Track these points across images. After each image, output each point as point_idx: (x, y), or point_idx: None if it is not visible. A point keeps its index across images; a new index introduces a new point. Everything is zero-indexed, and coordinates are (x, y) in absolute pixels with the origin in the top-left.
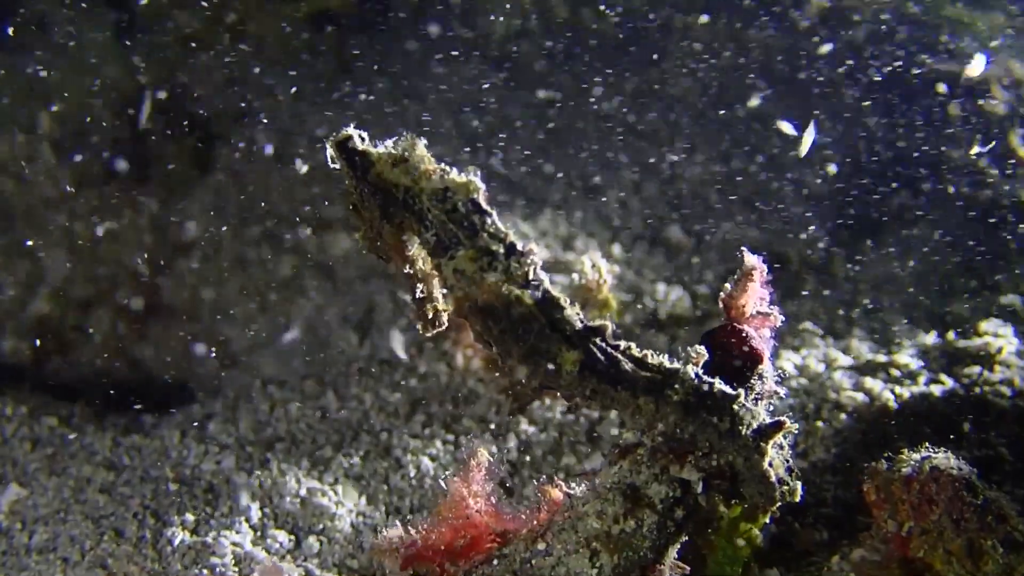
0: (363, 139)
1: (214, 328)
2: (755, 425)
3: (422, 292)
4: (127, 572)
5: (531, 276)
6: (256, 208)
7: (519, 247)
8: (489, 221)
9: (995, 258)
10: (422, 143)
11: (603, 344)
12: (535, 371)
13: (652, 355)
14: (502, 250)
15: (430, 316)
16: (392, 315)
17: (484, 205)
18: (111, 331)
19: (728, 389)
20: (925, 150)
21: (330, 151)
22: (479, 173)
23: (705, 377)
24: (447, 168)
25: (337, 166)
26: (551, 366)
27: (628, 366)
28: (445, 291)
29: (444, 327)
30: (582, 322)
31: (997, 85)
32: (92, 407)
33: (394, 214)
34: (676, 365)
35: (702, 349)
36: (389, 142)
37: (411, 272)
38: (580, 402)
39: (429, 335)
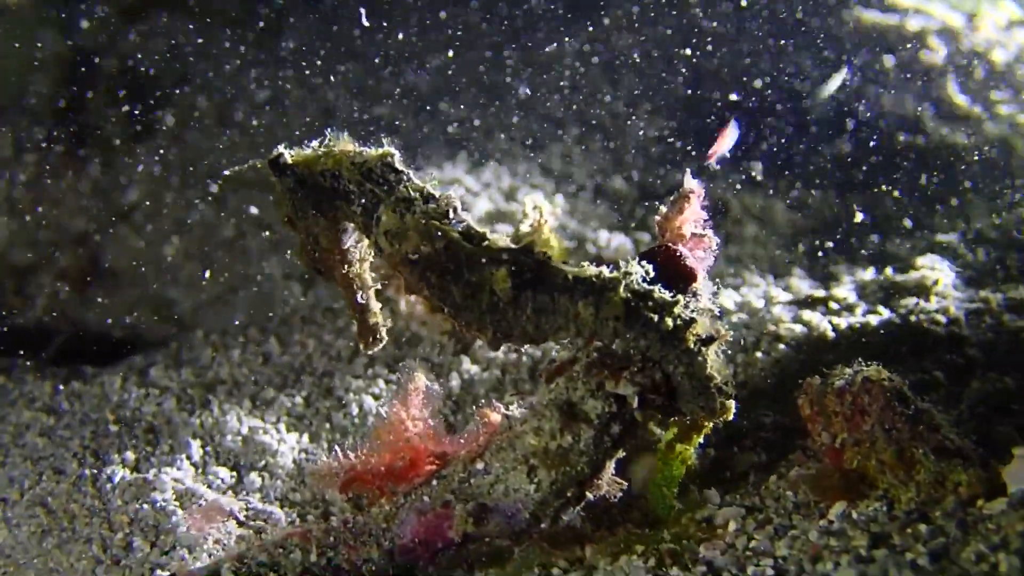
0: (292, 154)
1: (159, 290)
2: (696, 332)
3: (361, 299)
4: (67, 509)
5: (451, 215)
6: (198, 171)
7: (436, 194)
8: (404, 178)
9: (930, 201)
10: (347, 136)
11: (533, 255)
12: (477, 307)
13: (589, 267)
14: (419, 197)
15: (370, 324)
16: None
17: (399, 166)
18: (53, 295)
19: (668, 295)
20: (862, 99)
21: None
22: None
23: (645, 285)
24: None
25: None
26: (491, 296)
27: (562, 273)
28: (381, 257)
29: (384, 341)
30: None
31: (934, 36)
32: (33, 361)
33: (326, 205)
34: (616, 273)
35: (637, 265)
36: (315, 143)
37: (349, 276)
38: (520, 337)
39: (370, 352)
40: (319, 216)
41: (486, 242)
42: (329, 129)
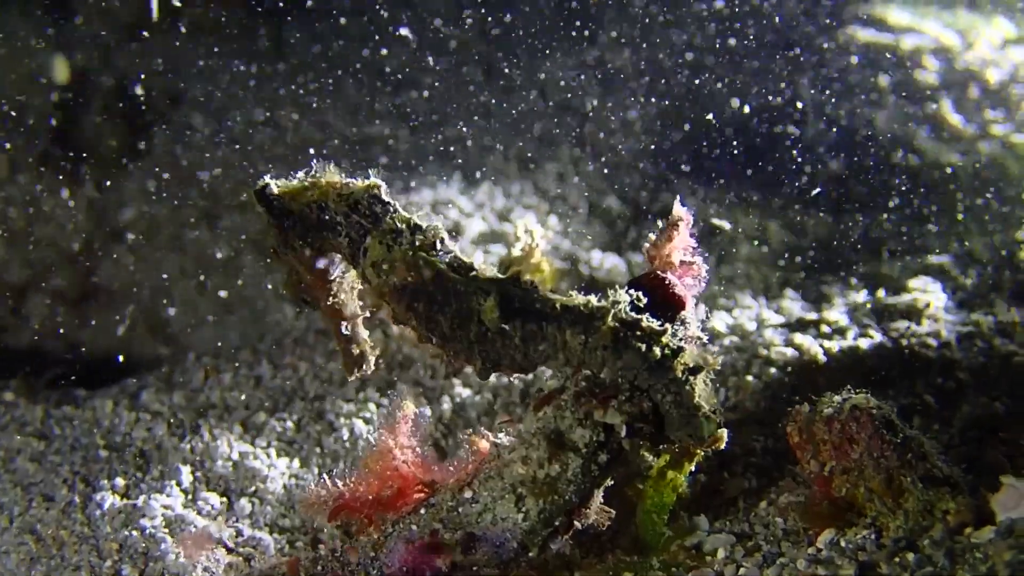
0: (278, 185)
1: (153, 309)
2: (684, 359)
3: (347, 329)
4: (56, 536)
5: (438, 246)
6: (193, 189)
7: (423, 225)
8: (391, 209)
9: (923, 221)
10: (333, 167)
11: (521, 285)
12: (465, 337)
13: (578, 296)
14: (406, 228)
15: (356, 354)
16: None
17: (385, 198)
18: (48, 314)
19: (656, 324)
20: (857, 119)
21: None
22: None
23: (633, 314)
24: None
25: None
26: (479, 326)
27: (550, 302)
28: (368, 288)
29: (371, 370)
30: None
31: (928, 55)
32: (27, 383)
33: (312, 237)
34: (604, 303)
35: (625, 294)
36: (301, 173)
37: (335, 307)
38: (509, 366)
39: (353, 379)
40: (305, 247)
41: (473, 272)
42: (318, 160)
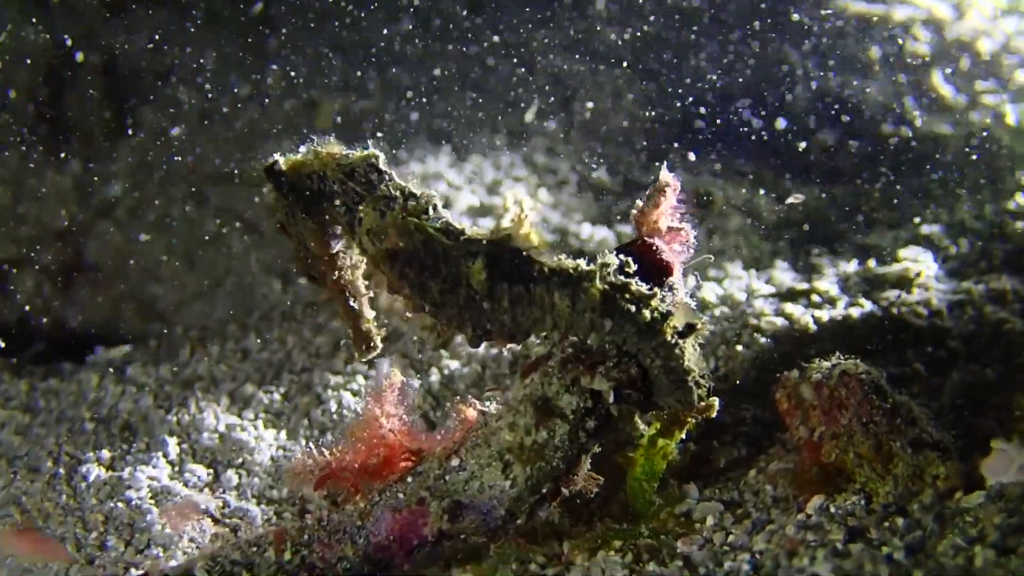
0: (284, 160)
1: (139, 285)
2: (673, 324)
3: (354, 305)
4: (41, 508)
5: (430, 212)
6: (180, 166)
7: (418, 192)
8: (387, 178)
9: (914, 191)
10: (334, 140)
11: (509, 246)
12: (455, 303)
13: (568, 259)
14: (400, 195)
15: (364, 331)
16: None
17: (382, 167)
18: (35, 291)
19: (645, 288)
20: (848, 90)
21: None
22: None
23: (622, 277)
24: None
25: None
26: (468, 290)
27: (538, 264)
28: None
29: (379, 349)
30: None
31: (919, 26)
32: (12, 358)
33: (314, 208)
34: (592, 266)
35: (615, 257)
36: (304, 147)
37: (341, 283)
38: (499, 333)
39: (364, 359)
40: (307, 220)
41: (464, 237)
42: (310, 137)
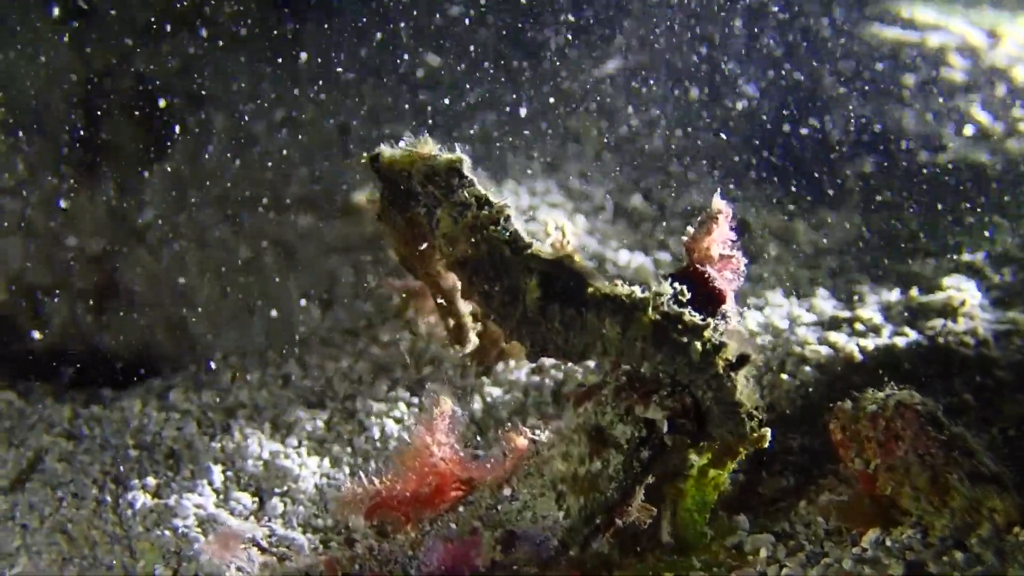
0: (386, 153)
1: (175, 311)
2: (726, 355)
3: (443, 300)
4: (88, 536)
5: (501, 222)
6: (214, 191)
7: (493, 201)
8: (466, 183)
9: (954, 220)
10: (429, 139)
11: (566, 268)
12: (514, 316)
13: (624, 286)
14: (475, 202)
15: (457, 326)
16: (353, 289)
17: (465, 172)
18: (69, 316)
19: (698, 318)
20: (884, 117)
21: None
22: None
23: (675, 307)
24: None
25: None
26: (525, 306)
27: (591, 288)
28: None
29: (473, 344)
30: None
31: (954, 53)
32: (50, 384)
33: (402, 204)
34: (647, 294)
35: (669, 286)
36: (403, 142)
37: (431, 279)
38: (555, 351)
39: (461, 352)
40: (398, 215)
41: (528, 251)
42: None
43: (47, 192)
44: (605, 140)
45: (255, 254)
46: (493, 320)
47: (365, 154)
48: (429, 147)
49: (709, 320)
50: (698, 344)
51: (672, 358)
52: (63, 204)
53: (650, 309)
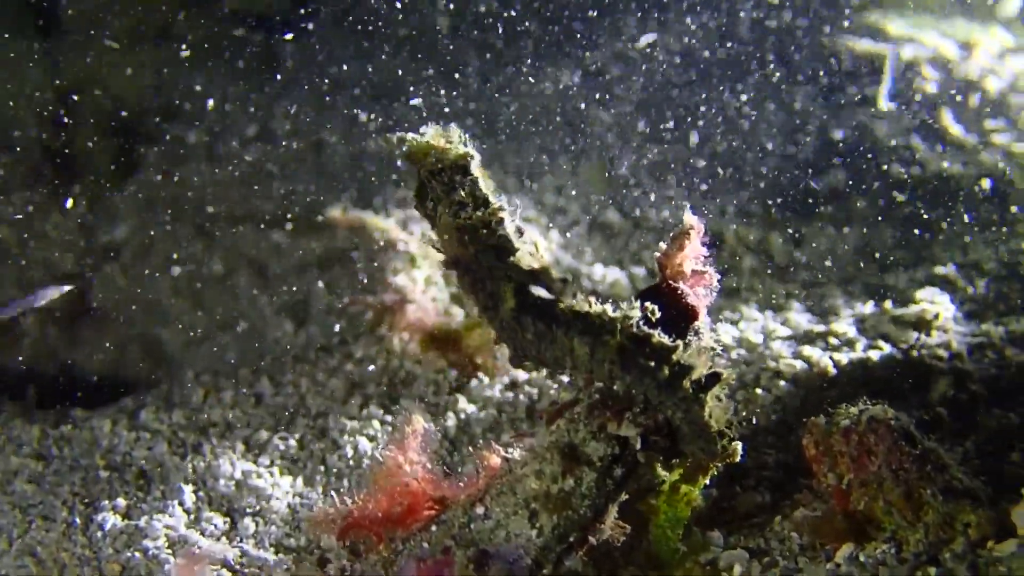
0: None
1: (147, 328)
2: (694, 377)
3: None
4: (57, 559)
5: (493, 224)
6: (187, 207)
7: (492, 202)
8: (468, 181)
9: (927, 232)
10: (455, 129)
11: (542, 284)
12: (496, 320)
13: (597, 304)
14: (472, 202)
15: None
16: (327, 305)
17: (471, 170)
18: (40, 334)
19: (667, 340)
20: (856, 130)
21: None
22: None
23: (644, 327)
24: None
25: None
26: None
27: (564, 306)
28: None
29: None
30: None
31: (927, 65)
32: (19, 404)
33: (421, 195)
34: (617, 314)
35: (638, 308)
36: (425, 129)
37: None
38: (536, 359)
39: None
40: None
41: (511, 258)
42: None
43: (18, 209)
44: (580, 155)
45: (228, 271)
46: (485, 319)
47: (395, 137)
48: (440, 139)
49: (679, 342)
50: (665, 368)
51: (640, 380)
52: (34, 221)
53: (618, 332)
